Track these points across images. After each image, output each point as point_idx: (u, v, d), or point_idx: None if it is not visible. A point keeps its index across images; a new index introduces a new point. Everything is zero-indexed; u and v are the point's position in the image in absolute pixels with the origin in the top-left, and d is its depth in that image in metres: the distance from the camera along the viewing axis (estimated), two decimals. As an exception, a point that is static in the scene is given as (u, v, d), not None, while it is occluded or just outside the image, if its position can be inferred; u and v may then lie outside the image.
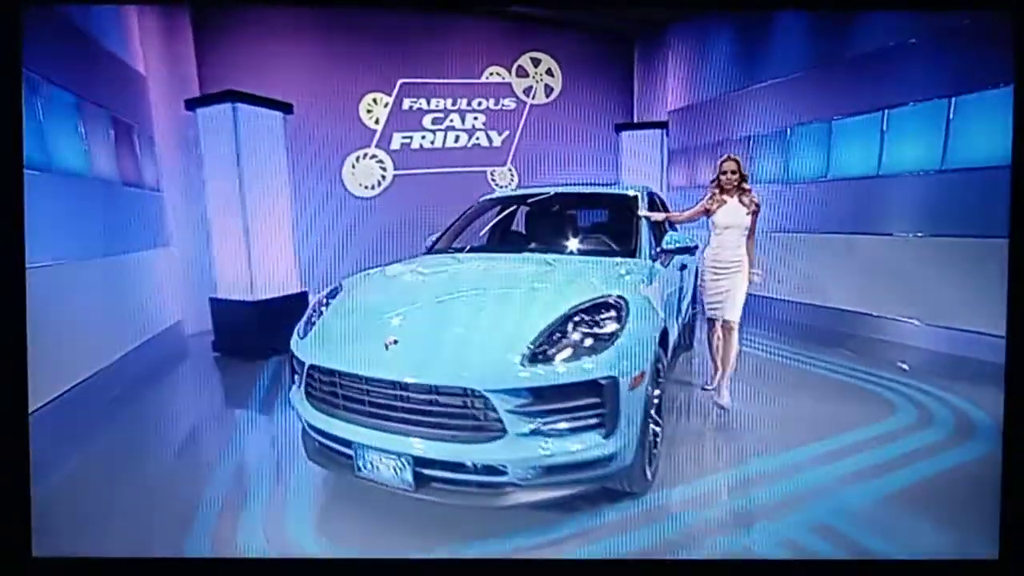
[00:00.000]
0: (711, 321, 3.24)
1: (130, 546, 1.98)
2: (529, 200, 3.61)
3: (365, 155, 6.33)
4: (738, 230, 3.04)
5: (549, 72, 6.99)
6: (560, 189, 3.60)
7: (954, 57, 4.08)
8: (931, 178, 4.29)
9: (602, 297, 2.08)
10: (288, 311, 4.80)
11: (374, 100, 6.29)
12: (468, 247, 3.27)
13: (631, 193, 3.33)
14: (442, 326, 2.05)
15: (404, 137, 6.48)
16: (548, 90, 7.01)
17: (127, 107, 4.33)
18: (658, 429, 2.41)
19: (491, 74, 6.75)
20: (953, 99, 4.11)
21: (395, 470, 1.89)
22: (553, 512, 2.07)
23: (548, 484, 1.87)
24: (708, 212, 3.13)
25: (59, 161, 3.30)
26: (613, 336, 1.95)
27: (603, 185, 3.78)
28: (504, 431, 1.79)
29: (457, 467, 1.85)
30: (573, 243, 3.05)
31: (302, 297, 4.99)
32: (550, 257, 2.84)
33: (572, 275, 2.41)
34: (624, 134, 6.52)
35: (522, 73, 6.88)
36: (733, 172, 3.05)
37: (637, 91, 7.36)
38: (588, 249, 2.97)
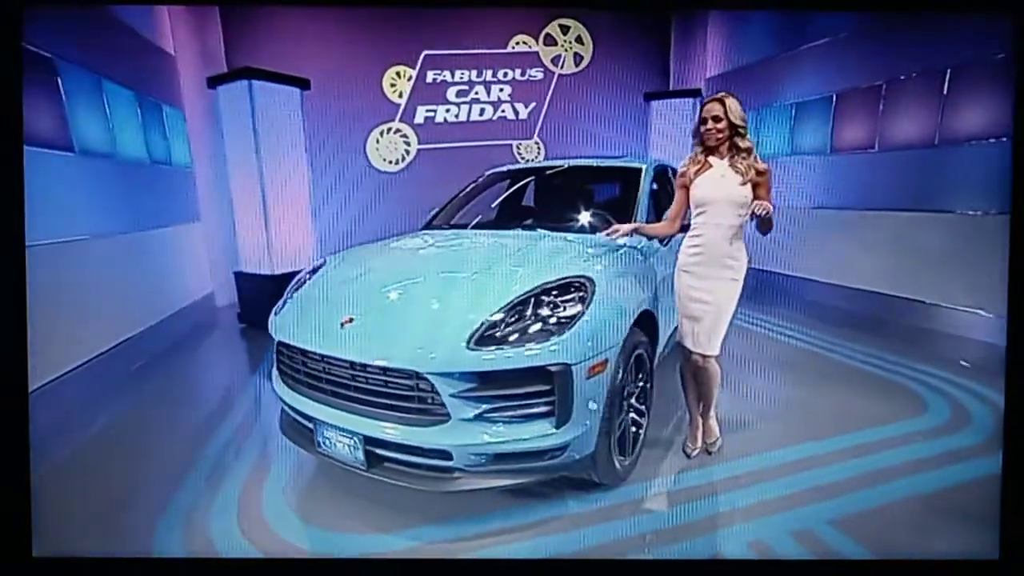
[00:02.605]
0: (682, 347, 2.31)
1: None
2: (521, 175, 3.48)
3: (389, 129, 6.32)
4: (728, 209, 2.03)
5: (579, 40, 6.66)
6: (553, 163, 3.44)
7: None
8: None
9: (568, 278, 1.97)
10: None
11: (397, 73, 6.24)
12: (453, 224, 3.20)
13: (635, 165, 3.13)
14: (397, 306, 2.01)
15: (428, 111, 6.41)
16: (578, 59, 6.69)
17: (155, 87, 4.49)
18: (642, 420, 2.30)
19: (517, 43, 6.52)
20: None
21: (349, 448, 1.90)
22: (525, 498, 2.05)
23: (498, 472, 1.82)
24: (685, 182, 2.15)
25: (91, 143, 3.50)
26: (573, 320, 1.84)
27: (605, 157, 3.56)
28: (447, 416, 1.74)
29: (407, 449, 1.83)
30: (567, 219, 2.90)
31: (321, 271, 5.11)
32: (537, 234, 2.73)
33: (543, 254, 2.29)
34: (654, 103, 6.14)
35: (550, 41, 6.60)
36: (716, 119, 2.01)
37: (674, 57, 6.89)
38: (582, 225, 2.82)
